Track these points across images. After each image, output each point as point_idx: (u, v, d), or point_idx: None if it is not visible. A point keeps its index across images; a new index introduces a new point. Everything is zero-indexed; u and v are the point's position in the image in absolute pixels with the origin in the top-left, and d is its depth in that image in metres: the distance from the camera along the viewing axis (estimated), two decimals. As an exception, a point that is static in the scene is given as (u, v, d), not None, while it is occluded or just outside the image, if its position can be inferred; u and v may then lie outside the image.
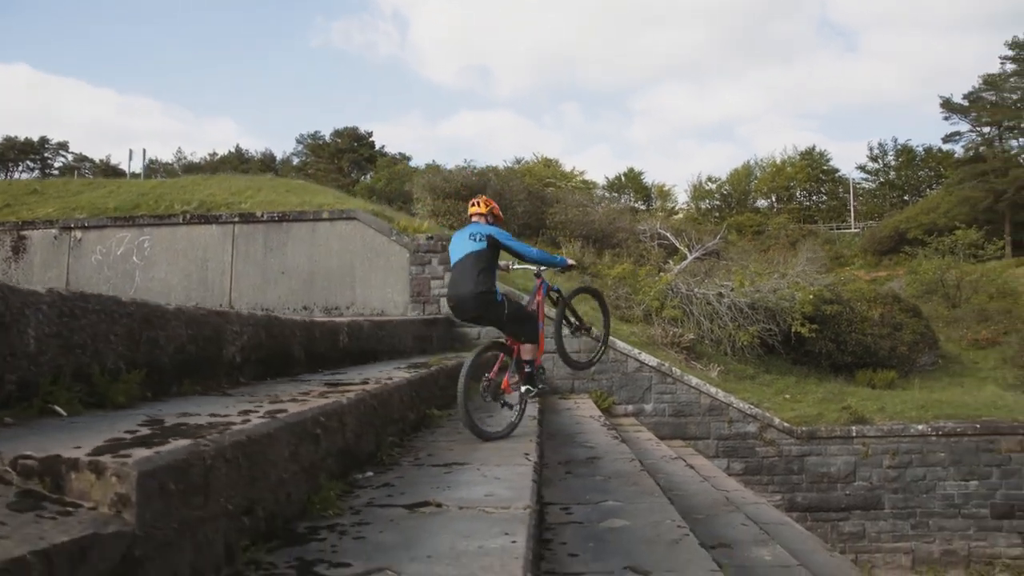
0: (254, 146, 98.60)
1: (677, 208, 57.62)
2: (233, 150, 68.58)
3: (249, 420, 2.54)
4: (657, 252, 25.70)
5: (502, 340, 5.68)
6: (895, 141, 62.28)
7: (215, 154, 67.01)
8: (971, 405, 14.04)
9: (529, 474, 3.55)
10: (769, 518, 7.59)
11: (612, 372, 13.24)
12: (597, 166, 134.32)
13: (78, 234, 14.88)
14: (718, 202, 63.13)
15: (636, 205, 55.01)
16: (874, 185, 63.14)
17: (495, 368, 5.53)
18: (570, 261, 6.08)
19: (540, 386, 5.65)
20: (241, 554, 2.17)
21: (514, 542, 2.38)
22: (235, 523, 2.19)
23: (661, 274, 19.60)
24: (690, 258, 23.86)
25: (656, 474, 7.42)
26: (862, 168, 63.96)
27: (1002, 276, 36.70)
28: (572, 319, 6.38)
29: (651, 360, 13.25)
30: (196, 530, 1.97)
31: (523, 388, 5.52)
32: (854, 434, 12.91)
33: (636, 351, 13.27)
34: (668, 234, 27.90)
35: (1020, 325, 26.90)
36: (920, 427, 12.89)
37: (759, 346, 16.82)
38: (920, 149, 61.33)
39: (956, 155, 51.09)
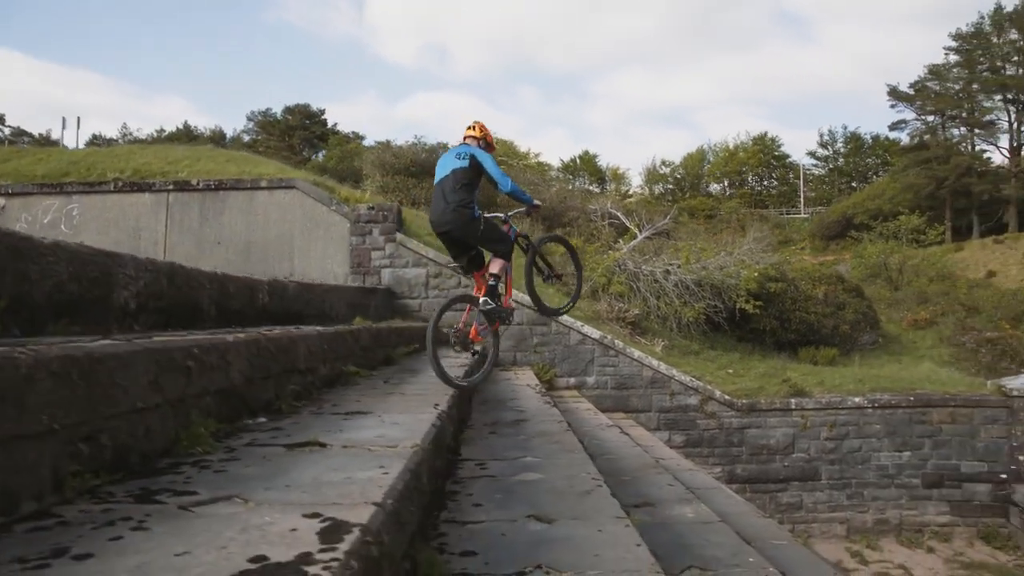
0: (204, 124, 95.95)
1: (631, 191, 57.81)
2: (182, 127, 66.65)
3: (98, 340, 2.32)
4: (608, 231, 25.70)
5: (469, 292, 5.74)
6: (844, 128, 63.60)
7: (162, 130, 65.06)
8: (906, 380, 14.33)
9: (431, 420, 3.38)
10: (701, 483, 7.57)
11: (555, 344, 13.16)
12: (554, 149, 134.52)
13: (1, 201, 14.21)
14: (671, 186, 63.65)
15: (590, 188, 55.06)
16: (823, 171, 64.31)
17: (463, 318, 5.61)
18: (536, 202, 6.11)
19: (506, 318, 5.72)
20: (71, 480, 1.95)
21: (385, 473, 2.20)
22: (67, 448, 1.97)
23: (610, 251, 19.58)
24: (640, 237, 23.90)
25: (588, 439, 7.33)
26: (812, 154, 65.13)
27: (942, 260, 37.78)
28: (543, 266, 6.38)
29: (594, 333, 13.20)
30: (11, 447, 1.75)
31: (482, 299, 5.47)
32: (793, 407, 13.05)
33: (579, 324, 13.20)
34: (619, 214, 27.91)
35: (957, 307, 27.68)
36: (857, 399, 13.09)
37: (705, 323, 16.90)
38: (868, 137, 62.69)
39: (902, 143, 52.22)
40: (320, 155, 59.60)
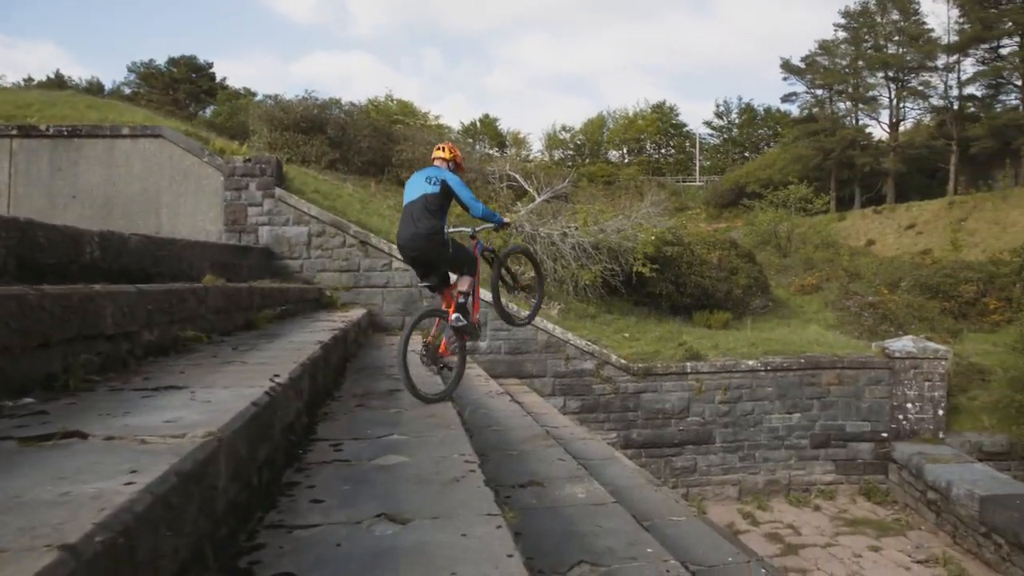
0: (80, 74, 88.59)
1: (531, 156, 57.42)
2: (53, 75, 61.23)
3: None
4: (506, 194, 25.14)
5: (438, 307, 5.73)
6: (739, 100, 65.07)
7: (31, 79, 59.55)
8: (796, 343, 14.52)
9: (255, 396, 2.69)
10: (594, 454, 7.17)
11: (448, 310, 12.55)
12: (454, 114, 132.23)
13: None
14: (571, 152, 63.62)
15: (491, 152, 54.26)
16: (718, 141, 65.82)
17: (432, 332, 5.67)
18: (506, 219, 6.13)
19: (475, 332, 5.83)
20: None
21: (129, 484, 1.52)
22: None
23: (507, 214, 19.05)
24: (538, 200, 23.44)
25: (474, 409, 6.78)
26: (708, 124, 66.47)
27: (826, 229, 39.36)
28: (508, 278, 6.46)
29: (486, 295, 12.64)
30: None
31: (453, 315, 5.48)
32: (689, 370, 12.95)
33: (474, 287, 12.61)
34: (518, 176, 27.37)
35: (840, 273, 28.77)
36: (751, 363, 13.13)
37: (602, 287, 16.69)
38: (761, 109, 64.44)
39: (792, 115, 53.90)
40: (208, 111, 56.19)
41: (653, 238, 17.66)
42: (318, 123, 23.73)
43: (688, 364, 13.01)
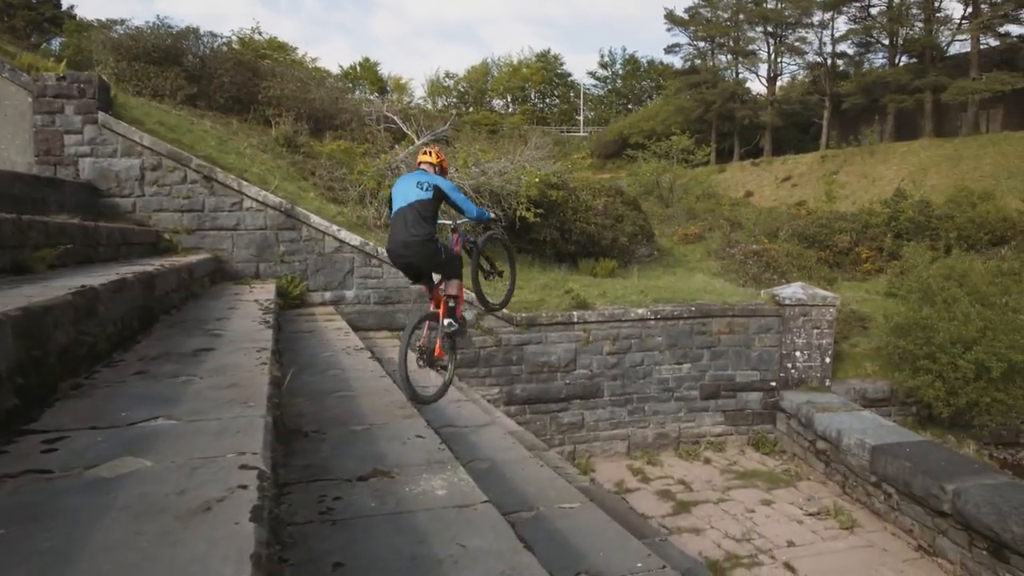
0: None
1: (413, 103, 55.16)
2: None
3: None
4: (384, 136, 23.38)
5: (428, 312, 5.81)
6: (623, 51, 64.74)
7: None
8: (685, 291, 13.90)
9: None
10: (469, 419, 6.02)
11: (306, 253, 11.01)
12: (334, 58, 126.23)
13: None
14: (455, 100, 61.66)
15: (371, 98, 51.62)
16: (602, 92, 65.51)
17: (424, 335, 5.76)
18: (490, 214, 6.42)
19: (464, 331, 6.07)
20: None
21: None
22: None
23: (382, 155, 17.48)
24: (418, 143, 21.89)
25: (317, 371, 5.46)
26: (592, 75, 65.98)
27: (707, 180, 39.83)
28: (486, 266, 6.62)
29: (353, 239, 11.19)
30: None
31: (446, 321, 5.70)
32: (575, 320, 12.03)
33: (335, 228, 11.11)
34: (396, 118, 25.64)
35: (722, 222, 28.93)
36: (640, 311, 12.34)
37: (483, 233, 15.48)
38: (645, 60, 64.47)
39: (675, 67, 54.07)
40: (55, 43, 50.33)
41: (537, 180, 16.59)
42: (173, 54, 20.97)
43: (575, 313, 12.08)
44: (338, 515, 2.71)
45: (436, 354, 5.74)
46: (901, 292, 14.20)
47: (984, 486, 8.42)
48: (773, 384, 12.89)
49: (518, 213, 15.75)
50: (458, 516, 2.69)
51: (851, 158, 37.69)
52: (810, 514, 9.97)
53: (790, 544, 9.09)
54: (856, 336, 15.21)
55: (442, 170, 5.87)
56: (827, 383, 12.93)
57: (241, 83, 23.11)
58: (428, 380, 5.99)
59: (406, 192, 5.42)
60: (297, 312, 10.27)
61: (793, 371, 12.89)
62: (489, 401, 11.61)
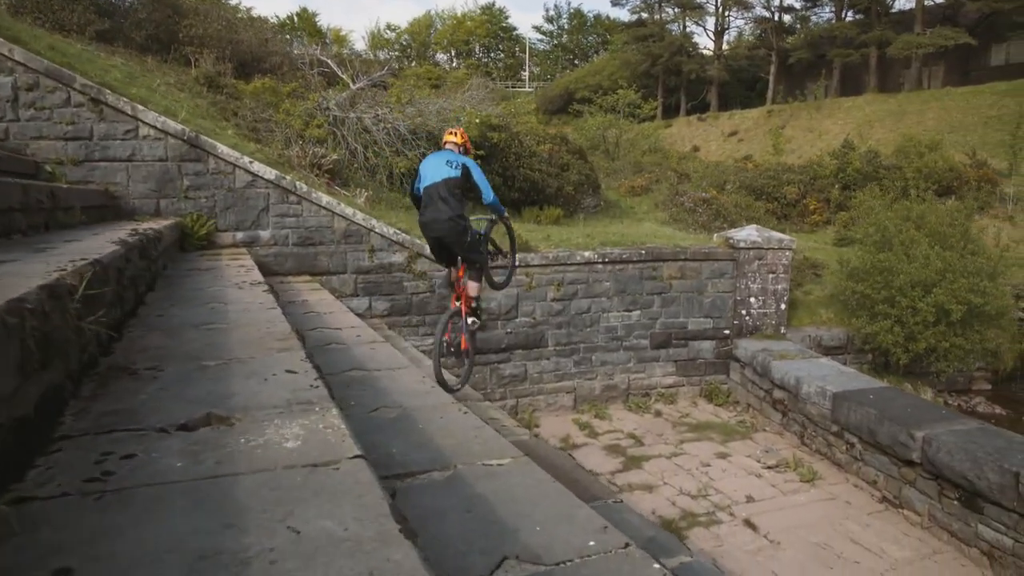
0: None
1: (354, 57, 52.92)
2: None
3: None
4: (318, 80, 21.80)
5: (455, 308, 6.20)
6: (569, 4, 63.31)
7: None
8: (634, 236, 13.04)
9: None
10: (383, 361, 5.02)
11: (214, 188, 9.73)
12: (269, 5, 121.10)
13: None
14: (397, 53, 59.46)
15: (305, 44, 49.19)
16: (548, 47, 64.04)
17: (448, 332, 6.15)
18: (505, 210, 6.67)
19: (483, 318, 6.73)
20: None
21: None
22: None
23: (311, 95, 16.06)
24: (353, 88, 20.43)
25: (203, 303, 4.37)
26: (538, 29, 64.42)
27: (654, 135, 39.14)
28: (492, 248, 6.65)
29: (268, 172, 9.95)
30: None
31: (470, 320, 6.32)
32: (517, 263, 11.05)
33: (247, 160, 9.84)
34: (330, 61, 24.04)
35: (670, 174, 28.33)
36: (587, 254, 11.43)
37: (422, 178, 14.38)
38: (591, 15, 63.12)
39: (622, 20, 52.95)
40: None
41: (478, 121, 15.46)
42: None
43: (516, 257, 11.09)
44: (115, 484, 1.68)
45: (462, 347, 6.32)
46: (858, 235, 13.59)
47: (955, 432, 7.81)
48: (727, 332, 12.19)
49: (457, 155, 14.61)
50: (306, 480, 1.68)
51: (797, 113, 37.41)
52: (768, 467, 9.30)
53: (749, 499, 8.39)
54: (809, 283, 14.64)
55: (466, 150, 6.14)
56: (783, 331, 12.29)
57: (160, 20, 21.15)
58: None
59: (436, 170, 5.75)
60: (201, 253, 9.03)
61: (747, 318, 12.20)
62: (422, 352, 10.61)
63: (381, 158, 13.98)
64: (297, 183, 10.11)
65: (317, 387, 2.55)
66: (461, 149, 6.07)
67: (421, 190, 5.82)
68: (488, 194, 5.88)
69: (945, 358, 11.38)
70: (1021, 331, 12.67)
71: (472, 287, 6.22)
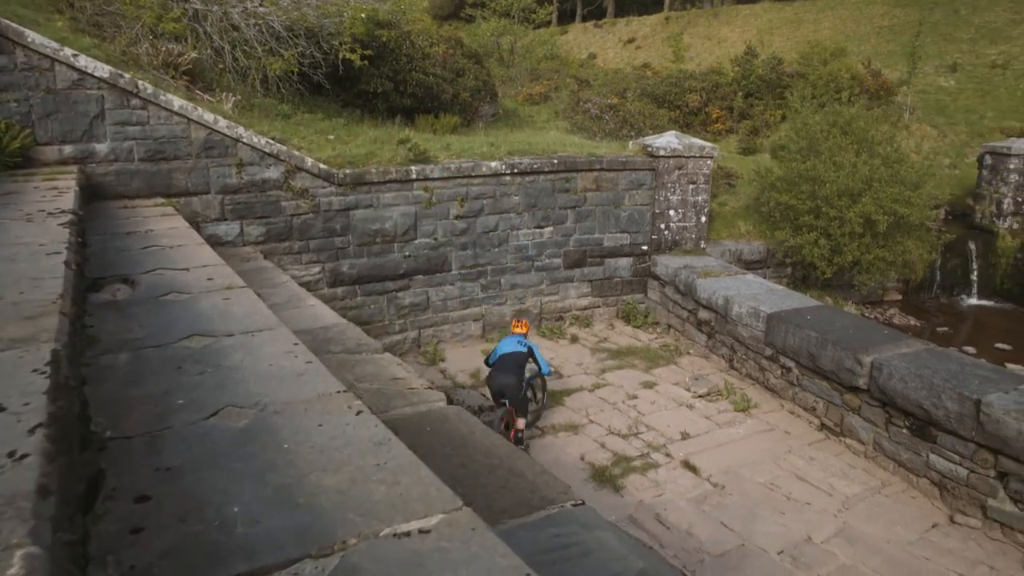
0: None
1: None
2: None
3: None
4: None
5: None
6: (456, -101, 59.09)
7: None
8: (541, 144, 11.73)
9: None
10: (238, 322, 3.61)
11: (26, 88, 7.64)
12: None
13: None
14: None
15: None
16: (435, -53, 60.06)
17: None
18: (551, 369, 8.59)
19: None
20: None
21: None
22: None
23: None
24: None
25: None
26: (424, -74, 60.13)
27: (550, 42, 37.68)
28: (529, 394, 8.00)
29: (100, 69, 7.95)
30: None
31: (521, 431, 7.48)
32: (415, 176, 9.59)
33: (69, 52, 7.78)
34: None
35: (569, 81, 27.15)
36: (493, 164, 10.07)
37: (300, 82, 12.52)
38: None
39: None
40: None
41: (364, 16, 13.48)
42: None
43: (413, 168, 9.62)
44: None
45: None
46: (783, 141, 12.79)
47: (905, 356, 7.15)
48: (645, 248, 11.24)
49: (341, 55, 12.72)
50: None
51: (695, 20, 36.52)
52: (699, 396, 8.50)
53: (685, 436, 7.55)
54: (724, 194, 13.88)
55: (526, 335, 8.07)
56: (703, 245, 11.46)
57: None
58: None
59: (508, 346, 7.70)
60: (11, 174, 7.06)
61: (666, 232, 11.27)
62: (307, 283, 9.11)
63: (253, 59, 11.94)
64: (140, 83, 8.17)
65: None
66: (527, 335, 8.08)
67: (496, 356, 7.69)
68: (545, 367, 7.94)
69: (868, 271, 10.88)
70: (931, 242, 12.36)
71: (520, 421, 7.41)
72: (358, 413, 2.40)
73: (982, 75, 25.03)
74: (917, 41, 21.68)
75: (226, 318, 3.45)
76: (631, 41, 37.10)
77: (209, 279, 4.16)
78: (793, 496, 6.52)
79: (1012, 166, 13.33)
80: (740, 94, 22.67)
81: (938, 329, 11.58)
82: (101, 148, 8.08)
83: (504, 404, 7.33)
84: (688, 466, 6.92)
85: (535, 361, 7.76)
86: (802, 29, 31.82)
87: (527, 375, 7.72)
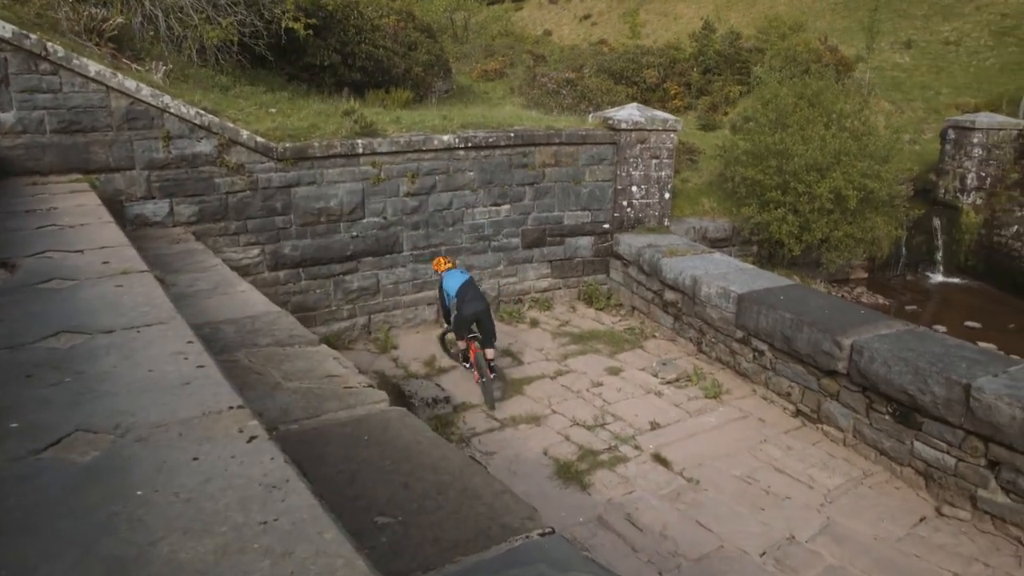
0: None
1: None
2: None
3: None
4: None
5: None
6: None
7: None
8: (497, 118, 11.08)
9: None
10: (126, 317, 2.94)
11: (-89, 44, 6.78)
12: None
13: None
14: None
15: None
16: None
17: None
18: None
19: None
20: None
21: None
22: None
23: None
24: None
25: None
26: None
27: (504, 18, 37.03)
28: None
29: (2, 28, 7.09)
30: None
31: (492, 375, 7.82)
32: (362, 151, 8.88)
33: (-39, 5, 6.92)
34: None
35: (525, 57, 26.51)
36: (446, 138, 9.40)
37: (243, 55, 11.73)
38: None
39: None
40: None
41: (307, -19, 12.66)
42: None
43: (360, 142, 8.89)
44: None
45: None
46: (748, 113, 12.32)
47: (886, 338, 6.74)
48: (606, 226, 10.71)
49: (284, 24, 11.89)
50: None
51: (651, -4, 36.03)
52: (668, 382, 8.02)
53: (654, 426, 7.06)
54: (687, 170, 13.42)
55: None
56: (666, 223, 10.97)
57: None
58: None
59: (458, 279, 7.90)
60: None
61: (629, 210, 10.74)
62: (245, 267, 8.37)
63: (189, 27, 11.05)
64: (50, 44, 7.30)
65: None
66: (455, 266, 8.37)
67: (454, 293, 7.75)
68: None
69: (836, 248, 10.52)
70: (899, 218, 12.07)
71: (490, 352, 7.64)
72: (250, 439, 1.79)
73: (936, 51, 25.02)
74: (876, 15, 21.49)
75: (112, 310, 2.78)
76: (587, 17, 36.50)
77: (104, 263, 3.47)
78: (772, 490, 6.07)
79: (976, 140, 13.12)
80: (698, 70, 22.28)
81: (906, 307, 11.32)
82: (5, 118, 7.22)
83: (472, 337, 7.65)
84: (659, 459, 6.43)
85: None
86: (758, 6, 31.54)
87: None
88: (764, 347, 7.78)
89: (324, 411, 3.20)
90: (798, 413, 7.41)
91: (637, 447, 6.64)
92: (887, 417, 6.48)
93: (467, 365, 8.11)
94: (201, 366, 2.22)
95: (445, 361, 8.48)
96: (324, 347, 4.04)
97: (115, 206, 7.67)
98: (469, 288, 7.71)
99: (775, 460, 6.55)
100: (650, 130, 10.62)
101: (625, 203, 10.72)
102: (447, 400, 7.14)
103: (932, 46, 25.35)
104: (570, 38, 34.64)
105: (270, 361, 3.68)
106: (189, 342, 2.42)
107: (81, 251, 3.76)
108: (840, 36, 25.60)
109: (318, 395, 3.34)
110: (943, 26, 26.37)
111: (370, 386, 3.53)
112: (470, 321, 7.58)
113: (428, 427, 3.34)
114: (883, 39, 24.43)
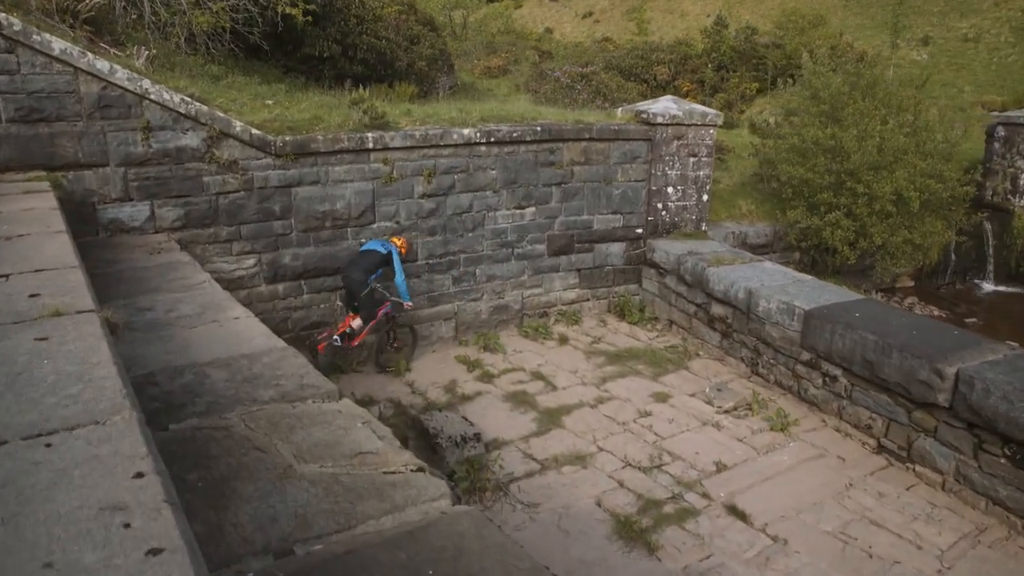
0: None
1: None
2: None
3: None
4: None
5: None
6: None
7: None
8: (517, 112, 10.04)
9: None
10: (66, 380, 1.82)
11: None
12: None
13: None
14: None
15: None
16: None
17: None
18: (409, 304, 7.81)
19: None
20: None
21: None
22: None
23: None
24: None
25: None
26: None
27: (505, 15, 36.24)
28: (389, 339, 8.10)
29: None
30: None
31: (335, 336, 7.55)
32: (371, 145, 7.82)
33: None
34: None
35: (530, 53, 25.59)
36: (467, 132, 8.35)
37: (236, 44, 10.74)
38: None
39: None
40: None
41: (305, -36, 11.60)
42: None
43: (370, 136, 7.84)
44: None
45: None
46: (793, 104, 11.26)
47: (995, 365, 5.74)
48: (640, 231, 9.68)
49: (281, 10, 10.87)
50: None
51: (655, -8, 35.13)
52: (725, 411, 6.99)
53: (720, 467, 6.02)
54: (716, 170, 12.38)
55: (402, 255, 7.65)
56: (703, 227, 9.96)
57: None
58: None
59: (370, 245, 7.57)
60: None
61: (664, 213, 9.72)
62: (239, 279, 7.31)
63: (177, 12, 10.03)
64: (4, 16, 6.22)
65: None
66: (399, 248, 7.63)
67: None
68: (401, 283, 7.57)
69: (893, 256, 9.51)
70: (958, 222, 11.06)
71: (358, 321, 7.57)
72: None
73: (954, 48, 24.17)
74: (899, 10, 20.57)
75: (10, 393, 1.71)
76: (589, 15, 35.54)
77: (32, 296, 2.42)
78: (875, 552, 5.04)
79: (1030, 138, 12.16)
80: (711, 66, 21.33)
81: (966, 320, 10.33)
82: (-52, 101, 6.14)
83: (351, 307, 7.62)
84: (735, 512, 5.40)
85: (393, 269, 7.53)
86: (767, 2, 30.66)
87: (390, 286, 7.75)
88: (838, 372, 6.76)
89: (360, 517, 2.16)
90: (881, 449, 6.39)
91: (705, 495, 5.60)
92: (1003, 460, 5.46)
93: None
94: (157, 549, 1.12)
95: (469, 386, 7.42)
96: (347, 402, 2.99)
97: (85, 210, 6.61)
98: (364, 256, 7.48)
99: (869, 511, 5.53)
100: (688, 125, 9.60)
101: (660, 205, 9.69)
102: (477, 437, 6.07)
103: (950, 43, 24.49)
104: (572, 36, 33.67)
105: (276, 428, 2.64)
106: (138, 475, 1.34)
107: (6, 276, 2.70)
108: (854, 33, 24.73)
109: (348, 488, 2.30)
110: (961, 23, 25.49)
111: (420, 469, 2.48)
112: (344, 287, 7.65)
113: (518, 545, 2.31)
114: (899, 36, 23.57)
